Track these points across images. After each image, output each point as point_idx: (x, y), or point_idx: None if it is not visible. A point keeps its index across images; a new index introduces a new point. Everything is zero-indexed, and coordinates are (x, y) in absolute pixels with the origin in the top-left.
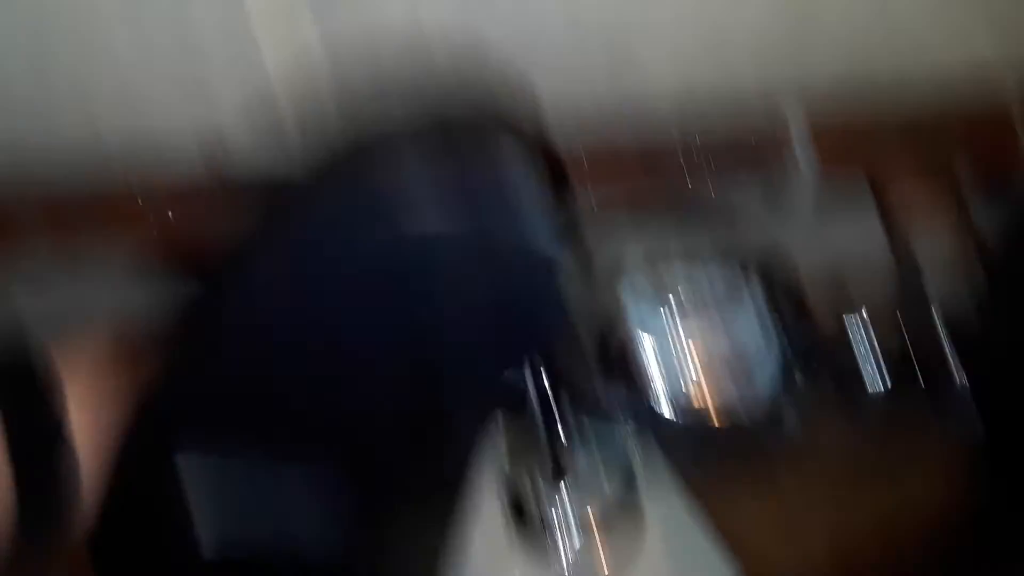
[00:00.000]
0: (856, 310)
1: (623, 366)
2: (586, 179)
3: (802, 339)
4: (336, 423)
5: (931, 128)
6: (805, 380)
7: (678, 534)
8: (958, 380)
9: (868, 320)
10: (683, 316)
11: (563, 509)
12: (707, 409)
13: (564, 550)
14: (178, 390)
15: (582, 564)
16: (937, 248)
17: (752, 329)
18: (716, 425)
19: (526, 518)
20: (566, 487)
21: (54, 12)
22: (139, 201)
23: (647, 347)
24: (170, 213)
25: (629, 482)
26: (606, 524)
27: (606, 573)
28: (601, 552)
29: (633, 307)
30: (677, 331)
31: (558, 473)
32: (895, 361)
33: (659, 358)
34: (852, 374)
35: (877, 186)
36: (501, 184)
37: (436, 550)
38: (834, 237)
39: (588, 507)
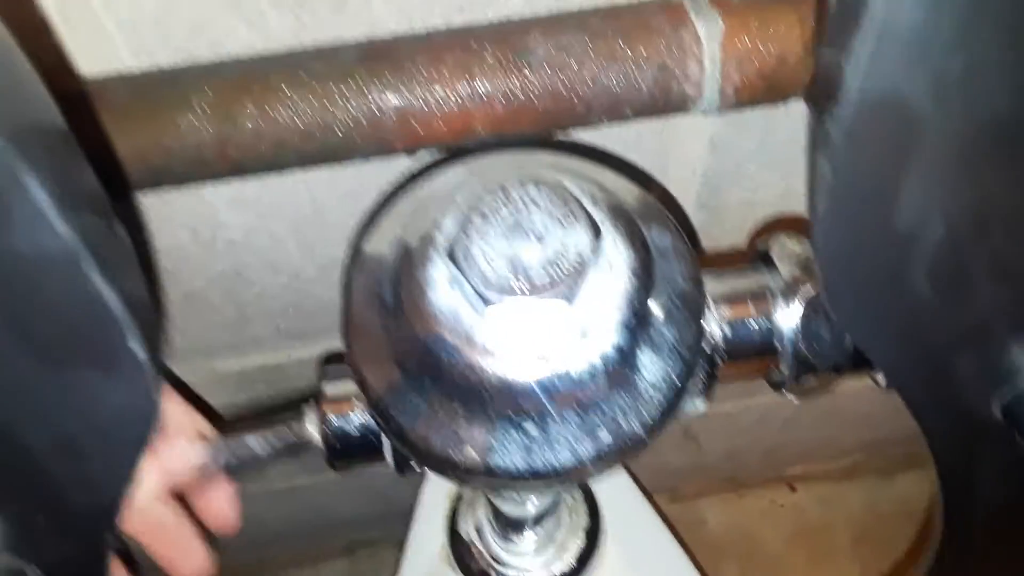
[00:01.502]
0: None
1: None
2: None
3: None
4: None
5: None
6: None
7: (640, 546)
8: None
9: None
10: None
11: (515, 559)
12: None
13: None
14: None
15: None
16: None
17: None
18: None
19: (471, 567)
20: (519, 535)
21: None
22: None
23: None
24: None
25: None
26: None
27: None
28: None
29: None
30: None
31: (511, 527)
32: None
33: None
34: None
35: None
36: None
37: None
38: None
39: (546, 555)
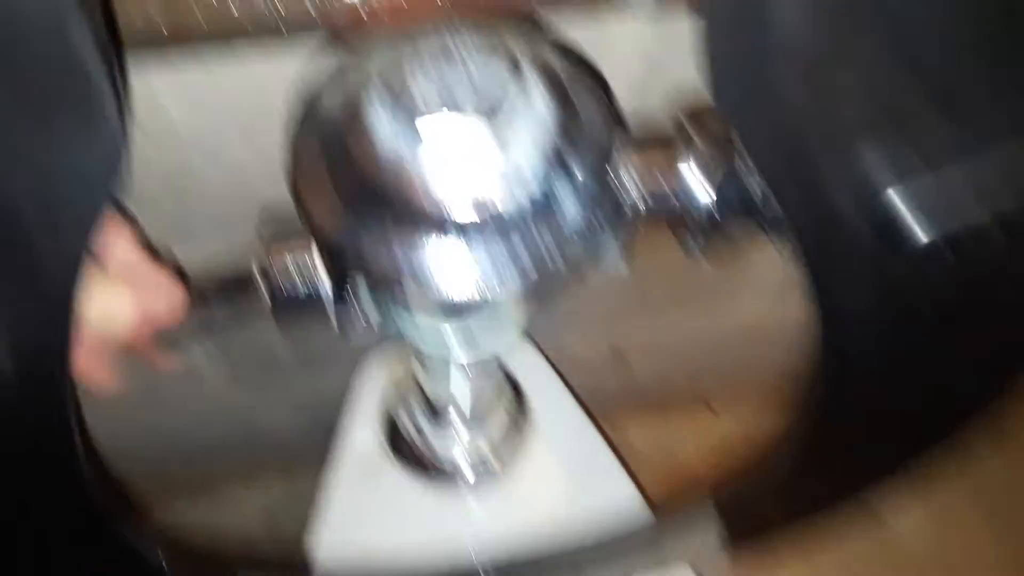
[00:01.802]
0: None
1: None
2: None
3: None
4: None
5: None
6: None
7: (563, 434)
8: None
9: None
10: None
11: (447, 444)
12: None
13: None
14: None
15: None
16: None
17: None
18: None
19: (405, 454)
20: (450, 422)
21: None
22: None
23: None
24: None
25: (518, 399)
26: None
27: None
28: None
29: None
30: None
31: (441, 412)
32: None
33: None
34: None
35: None
36: None
37: None
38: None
39: (476, 441)
